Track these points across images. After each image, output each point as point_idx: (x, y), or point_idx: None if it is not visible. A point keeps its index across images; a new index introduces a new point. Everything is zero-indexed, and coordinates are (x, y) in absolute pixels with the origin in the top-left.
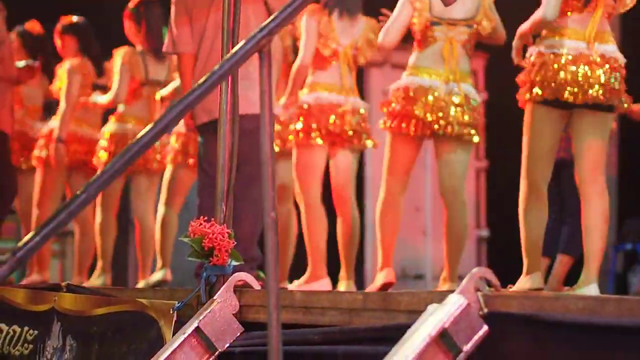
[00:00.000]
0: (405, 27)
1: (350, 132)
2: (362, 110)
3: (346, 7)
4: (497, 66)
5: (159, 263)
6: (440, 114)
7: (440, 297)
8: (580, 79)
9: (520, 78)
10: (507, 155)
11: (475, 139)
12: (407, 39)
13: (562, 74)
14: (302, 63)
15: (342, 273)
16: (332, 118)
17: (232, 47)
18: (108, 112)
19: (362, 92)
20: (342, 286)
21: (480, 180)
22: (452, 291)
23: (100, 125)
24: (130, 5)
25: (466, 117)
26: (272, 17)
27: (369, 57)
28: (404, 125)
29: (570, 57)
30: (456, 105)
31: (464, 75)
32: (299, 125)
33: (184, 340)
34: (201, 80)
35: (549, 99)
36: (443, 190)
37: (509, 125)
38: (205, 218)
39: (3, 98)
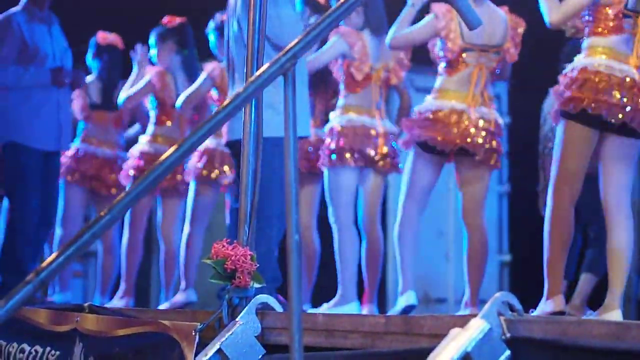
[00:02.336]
0: (415, 45)
1: (382, 155)
2: (393, 133)
3: (375, 28)
4: (520, 90)
5: (183, 284)
6: (469, 140)
7: (463, 321)
8: (621, 102)
9: (558, 91)
10: (529, 180)
11: (499, 164)
12: (430, 63)
13: (603, 95)
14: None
15: (366, 296)
16: (364, 141)
17: (258, 67)
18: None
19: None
20: (364, 309)
21: (502, 205)
22: (474, 315)
23: (118, 145)
24: (168, 25)
25: (494, 143)
26: (296, 39)
27: (400, 77)
28: (428, 147)
29: (613, 79)
30: (486, 131)
31: (491, 101)
32: (332, 147)
33: None
34: (225, 102)
35: (586, 118)
36: (464, 214)
37: (532, 149)
38: (228, 240)
39: (36, 108)
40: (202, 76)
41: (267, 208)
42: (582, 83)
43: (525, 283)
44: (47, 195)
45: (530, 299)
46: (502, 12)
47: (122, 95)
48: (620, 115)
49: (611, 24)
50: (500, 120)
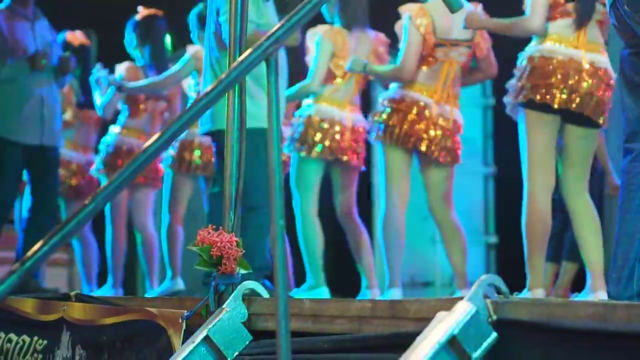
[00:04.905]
0: (420, 53)
1: (348, 149)
2: (361, 128)
3: (354, 23)
4: (504, 72)
5: (169, 273)
6: (425, 135)
7: (449, 304)
8: (570, 82)
9: (511, 83)
10: (515, 161)
11: (455, 163)
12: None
13: (552, 78)
14: (309, 88)
15: (367, 282)
16: (331, 133)
17: (239, 55)
18: (102, 134)
19: (368, 106)
20: (368, 295)
21: (488, 186)
22: (460, 298)
23: (94, 148)
24: (138, 17)
25: (449, 143)
26: (278, 25)
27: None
28: (393, 135)
29: (560, 62)
30: (443, 129)
31: (455, 99)
32: (298, 136)
33: (193, 349)
34: (208, 88)
35: (539, 103)
36: (430, 208)
37: (517, 131)
38: (214, 227)
39: (18, 102)
40: (185, 57)
41: (255, 197)
42: (531, 71)
43: (511, 265)
44: (44, 187)
45: (517, 281)
46: (470, 5)
47: (99, 103)
48: (567, 98)
49: (558, 9)
50: (462, 121)
